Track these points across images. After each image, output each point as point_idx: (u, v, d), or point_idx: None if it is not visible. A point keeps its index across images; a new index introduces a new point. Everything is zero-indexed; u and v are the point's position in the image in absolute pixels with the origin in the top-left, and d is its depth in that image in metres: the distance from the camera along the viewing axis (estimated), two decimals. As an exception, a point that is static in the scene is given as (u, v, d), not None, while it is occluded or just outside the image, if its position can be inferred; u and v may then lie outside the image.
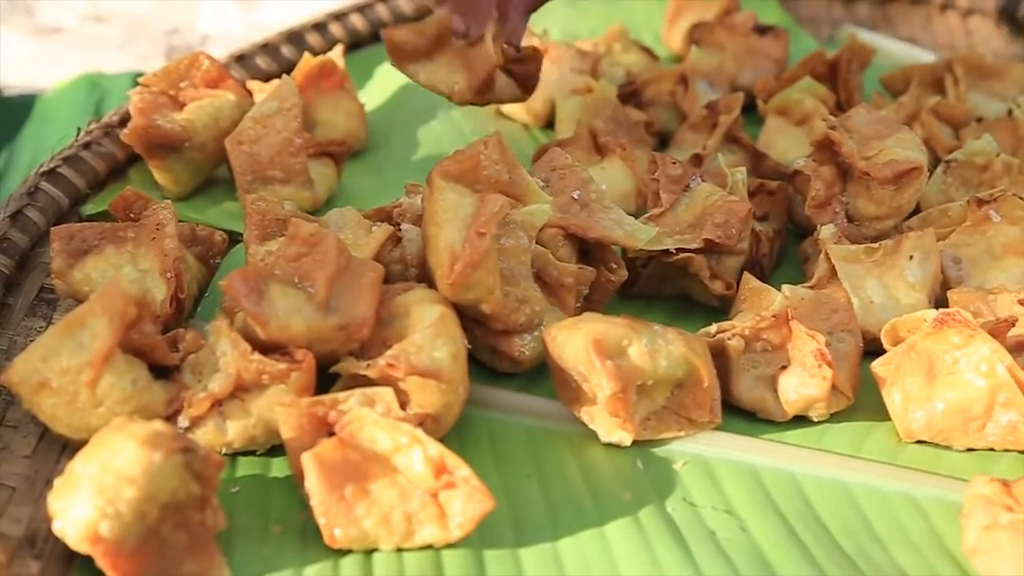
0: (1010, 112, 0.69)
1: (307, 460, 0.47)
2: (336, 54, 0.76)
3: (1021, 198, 0.61)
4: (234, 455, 0.52)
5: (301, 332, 0.51)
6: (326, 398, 0.49)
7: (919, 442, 0.55)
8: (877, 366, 0.55)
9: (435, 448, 0.48)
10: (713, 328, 0.57)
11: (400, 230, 0.58)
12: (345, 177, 0.71)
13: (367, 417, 0.48)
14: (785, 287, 0.57)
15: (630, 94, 0.75)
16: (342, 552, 0.48)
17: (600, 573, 0.48)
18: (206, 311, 0.60)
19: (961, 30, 0.92)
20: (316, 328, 0.51)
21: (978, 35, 0.91)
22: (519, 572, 0.48)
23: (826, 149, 0.63)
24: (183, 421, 0.51)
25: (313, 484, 0.47)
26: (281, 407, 0.49)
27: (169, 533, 0.45)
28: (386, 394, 0.50)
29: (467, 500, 0.47)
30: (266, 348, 0.51)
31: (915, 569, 0.49)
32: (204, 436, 0.51)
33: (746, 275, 0.59)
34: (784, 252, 0.67)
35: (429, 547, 0.48)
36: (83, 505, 0.44)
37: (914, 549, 0.50)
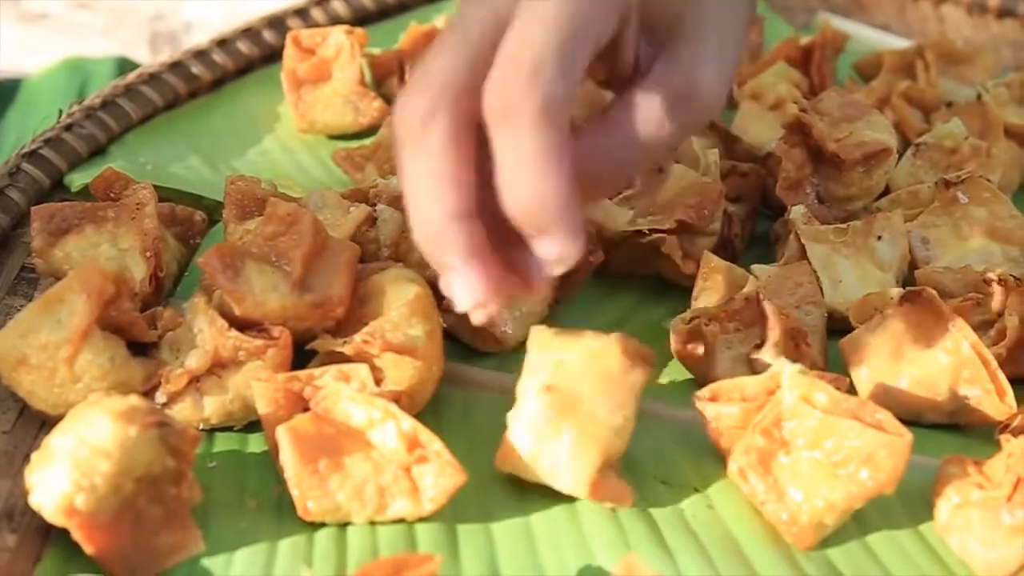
0: (979, 97, 0.69)
1: (281, 433, 0.48)
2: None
3: (988, 180, 0.61)
4: (211, 431, 0.53)
5: (276, 309, 0.51)
6: (302, 374, 0.50)
7: (886, 418, 0.56)
8: (845, 343, 0.56)
9: (408, 423, 0.48)
10: (688, 315, 0.57)
11: (375, 210, 0.59)
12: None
13: (342, 392, 0.49)
14: (754, 267, 0.58)
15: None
16: (316, 526, 0.49)
17: (570, 545, 0.49)
18: (185, 291, 0.60)
19: (933, 17, 0.92)
20: (291, 306, 0.52)
21: (949, 22, 0.91)
22: (490, 546, 0.49)
23: (797, 131, 0.63)
24: (161, 397, 0.51)
25: (287, 457, 0.48)
26: (257, 382, 0.50)
27: (144, 506, 0.46)
28: (361, 370, 0.50)
29: (439, 474, 0.48)
30: (243, 325, 0.52)
31: (884, 547, 0.50)
32: (181, 412, 0.52)
33: (706, 254, 0.59)
34: (756, 233, 0.67)
35: (402, 520, 0.49)
36: (59, 478, 0.44)
37: (884, 527, 0.51)
